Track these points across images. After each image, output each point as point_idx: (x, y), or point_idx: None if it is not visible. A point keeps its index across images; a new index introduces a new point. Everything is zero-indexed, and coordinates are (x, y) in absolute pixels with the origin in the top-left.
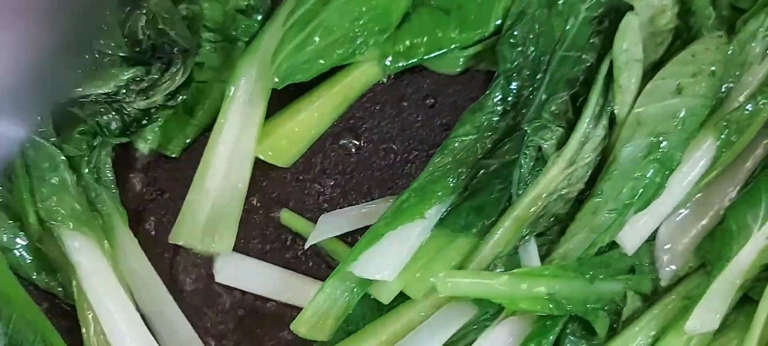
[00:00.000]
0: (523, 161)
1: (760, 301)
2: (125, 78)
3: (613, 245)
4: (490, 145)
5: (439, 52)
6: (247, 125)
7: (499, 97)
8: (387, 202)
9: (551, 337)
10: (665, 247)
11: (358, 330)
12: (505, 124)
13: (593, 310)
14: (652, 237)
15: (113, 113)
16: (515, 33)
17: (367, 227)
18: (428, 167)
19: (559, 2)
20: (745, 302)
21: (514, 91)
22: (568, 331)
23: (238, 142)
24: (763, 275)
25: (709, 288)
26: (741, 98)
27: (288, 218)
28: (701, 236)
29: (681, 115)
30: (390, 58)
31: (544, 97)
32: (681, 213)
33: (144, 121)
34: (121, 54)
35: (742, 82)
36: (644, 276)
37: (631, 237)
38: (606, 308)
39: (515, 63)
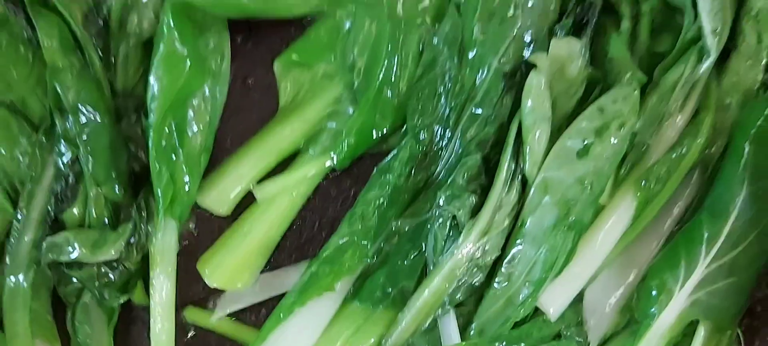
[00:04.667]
0: (437, 230)
1: None
2: (125, 238)
3: (537, 310)
4: (400, 207)
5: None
6: None
7: (407, 155)
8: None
9: None
10: (592, 309)
11: None
12: (415, 183)
13: None
14: (578, 299)
15: (113, 274)
16: (425, 84)
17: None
18: (337, 234)
19: (470, 54)
20: None
21: (423, 148)
22: None
23: None
24: (687, 330)
25: None
26: (656, 154)
27: (192, 314)
28: (626, 296)
29: (587, 180)
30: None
31: (454, 160)
32: (605, 274)
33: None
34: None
35: (662, 136)
36: (571, 341)
37: (553, 304)
38: None
39: (424, 117)
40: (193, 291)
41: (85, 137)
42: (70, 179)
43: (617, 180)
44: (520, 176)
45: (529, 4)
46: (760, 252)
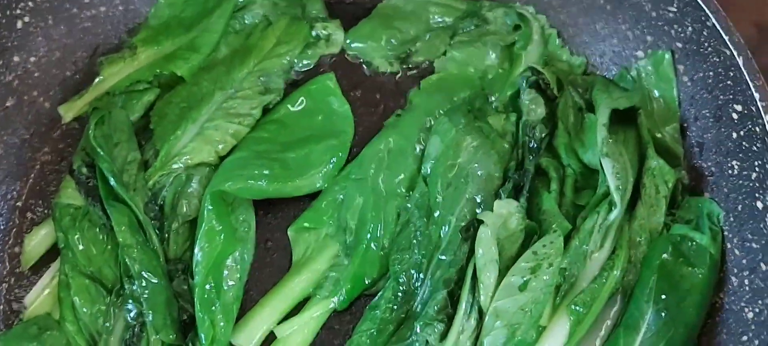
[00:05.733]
0: None
1: None
2: None
3: None
4: (387, 336)
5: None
6: None
7: (391, 294)
8: None
9: None
10: None
11: None
12: (398, 316)
13: None
14: None
15: None
16: (402, 239)
17: None
18: None
19: (435, 214)
20: None
21: (403, 288)
22: None
23: None
24: None
25: None
26: (584, 283)
27: None
28: None
29: (528, 308)
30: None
31: (426, 294)
32: None
33: None
34: None
35: (587, 269)
36: None
37: None
38: None
39: (403, 265)
40: None
41: (146, 296)
42: (136, 329)
43: (554, 305)
44: (477, 306)
45: (478, 174)
46: None
